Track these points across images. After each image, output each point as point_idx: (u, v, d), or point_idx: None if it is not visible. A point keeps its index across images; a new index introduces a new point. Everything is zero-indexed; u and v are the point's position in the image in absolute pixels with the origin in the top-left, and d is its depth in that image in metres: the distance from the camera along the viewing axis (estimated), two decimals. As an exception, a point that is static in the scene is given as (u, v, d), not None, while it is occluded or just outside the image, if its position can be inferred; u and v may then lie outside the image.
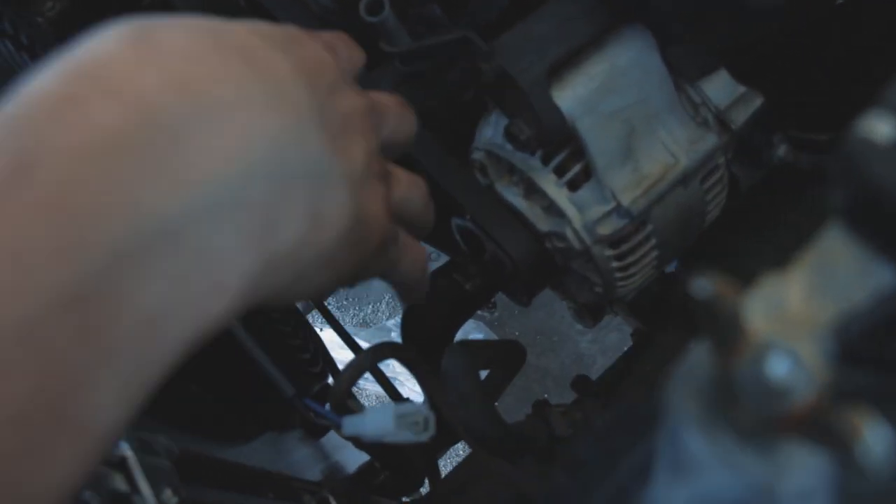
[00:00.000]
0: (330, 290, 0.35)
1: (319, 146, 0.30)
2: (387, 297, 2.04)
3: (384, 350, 0.62)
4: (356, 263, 0.34)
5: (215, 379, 0.67)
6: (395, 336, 1.89)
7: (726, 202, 0.62)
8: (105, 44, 0.26)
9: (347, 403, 0.62)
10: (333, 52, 0.36)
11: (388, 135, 0.38)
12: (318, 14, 0.67)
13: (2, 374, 0.21)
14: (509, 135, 0.53)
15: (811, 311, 0.17)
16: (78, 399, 0.22)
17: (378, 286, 2.08)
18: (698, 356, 0.17)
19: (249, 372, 0.64)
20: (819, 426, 0.15)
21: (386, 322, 1.97)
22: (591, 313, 1.00)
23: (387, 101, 0.40)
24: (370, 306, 2.06)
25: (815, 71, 0.62)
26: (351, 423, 0.54)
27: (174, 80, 0.25)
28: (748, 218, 0.66)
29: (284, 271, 0.29)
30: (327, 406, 0.66)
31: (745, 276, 0.57)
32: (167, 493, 0.43)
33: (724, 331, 0.16)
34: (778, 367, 0.15)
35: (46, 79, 0.25)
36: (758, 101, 0.56)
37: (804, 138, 0.61)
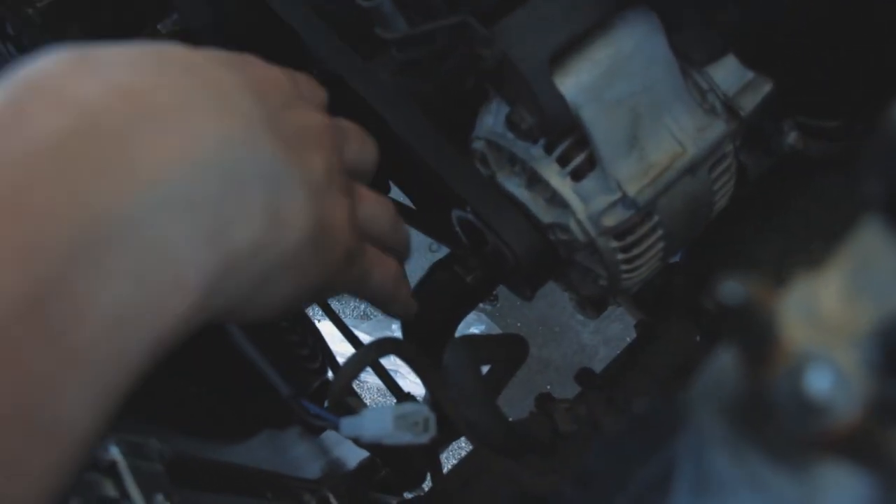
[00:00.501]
0: (296, 300, 0.34)
1: (273, 151, 0.30)
2: (387, 289, 2.03)
3: (385, 346, 0.60)
4: (321, 273, 0.34)
5: (212, 377, 0.66)
6: (396, 329, 1.88)
7: (734, 191, 0.60)
8: (47, 61, 0.26)
9: (347, 400, 0.61)
10: (293, 80, 0.37)
11: (351, 158, 0.39)
12: (312, 2, 0.65)
13: None
14: (510, 123, 0.51)
15: (850, 315, 0.15)
16: (47, 406, 0.22)
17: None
18: (723, 366, 0.16)
19: (247, 369, 0.63)
20: (862, 445, 0.13)
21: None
22: (593, 305, 0.99)
23: (349, 125, 0.42)
24: (370, 298, 2.04)
25: (825, 56, 0.60)
26: (349, 425, 0.52)
27: (116, 87, 0.26)
28: (756, 207, 0.64)
29: (246, 272, 0.29)
30: (326, 403, 0.64)
31: (753, 266, 0.56)
32: (159, 498, 0.42)
33: (756, 340, 0.14)
34: (819, 382, 0.13)
35: None
36: (767, 87, 0.54)
37: (814, 125, 0.59)
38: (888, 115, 0.17)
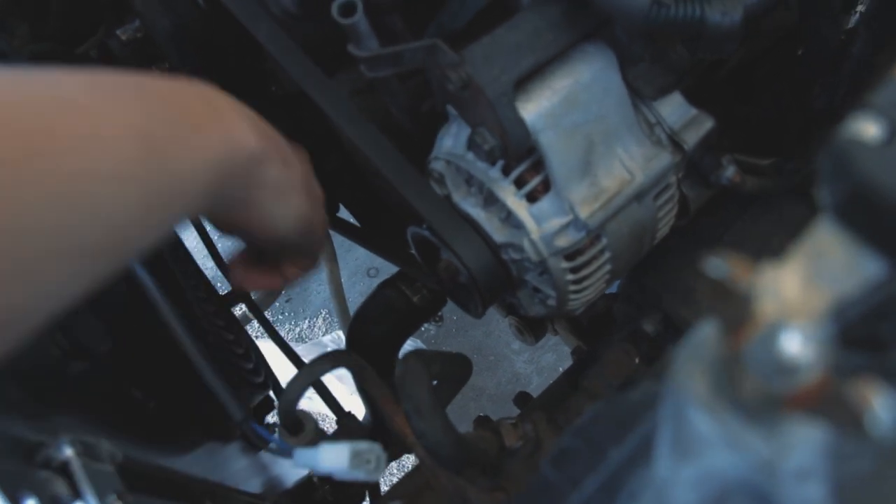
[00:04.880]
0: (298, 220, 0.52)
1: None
2: (324, 313, 2.02)
3: (337, 358, 0.61)
4: (310, 204, 0.54)
5: (160, 387, 0.65)
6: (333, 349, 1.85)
7: (675, 221, 0.64)
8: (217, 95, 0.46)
9: (296, 414, 0.61)
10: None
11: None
12: (280, 18, 0.66)
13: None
14: (472, 144, 0.53)
15: (808, 298, 0.18)
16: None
17: (315, 301, 2.05)
18: (703, 335, 0.18)
19: (194, 380, 0.62)
20: (827, 400, 0.16)
21: (322, 338, 1.94)
22: (532, 330, 1.01)
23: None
24: (307, 321, 2.03)
25: (762, 98, 0.65)
26: (303, 456, 0.53)
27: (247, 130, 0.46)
28: (694, 237, 0.68)
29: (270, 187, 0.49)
30: (275, 416, 0.64)
31: (688, 294, 0.58)
32: (111, 498, 0.41)
33: (735, 310, 0.16)
34: (791, 344, 0.16)
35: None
36: (709, 124, 0.59)
37: (750, 162, 0.63)
38: (836, 135, 0.20)
